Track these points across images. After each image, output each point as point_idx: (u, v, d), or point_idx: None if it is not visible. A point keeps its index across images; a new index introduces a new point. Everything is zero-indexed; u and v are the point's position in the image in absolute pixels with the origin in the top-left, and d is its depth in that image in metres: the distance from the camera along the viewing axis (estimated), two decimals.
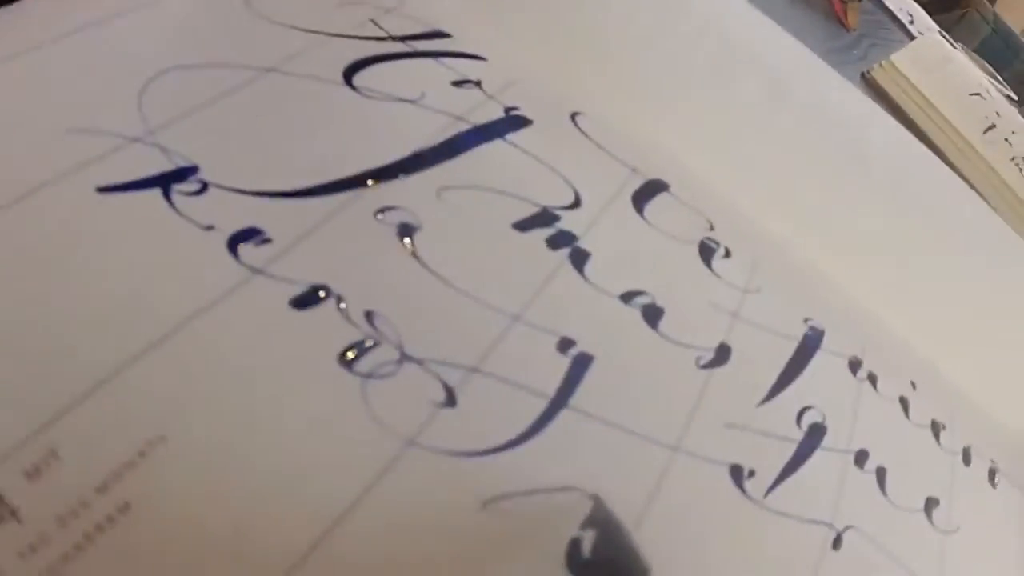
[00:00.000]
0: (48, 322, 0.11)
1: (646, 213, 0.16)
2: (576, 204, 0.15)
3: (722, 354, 0.15)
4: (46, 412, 0.10)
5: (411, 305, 0.13)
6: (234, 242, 0.13)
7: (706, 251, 0.16)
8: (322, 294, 0.12)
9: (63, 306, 0.11)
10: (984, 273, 0.21)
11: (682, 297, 0.15)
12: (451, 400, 0.12)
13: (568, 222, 0.15)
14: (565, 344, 0.13)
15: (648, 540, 0.12)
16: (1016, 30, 0.44)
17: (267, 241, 0.13)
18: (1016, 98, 0.34)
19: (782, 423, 0.15)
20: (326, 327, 0.12)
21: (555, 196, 0.15)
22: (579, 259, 0.14)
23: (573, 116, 0.17)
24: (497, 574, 0.11)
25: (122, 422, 0.11)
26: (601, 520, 0.12)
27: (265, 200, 0.13)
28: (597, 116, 0.17)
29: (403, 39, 0.17)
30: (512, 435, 0.12)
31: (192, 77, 0.15)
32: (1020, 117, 0.30)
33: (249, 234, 0.13)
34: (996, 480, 0.20)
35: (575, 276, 0.14)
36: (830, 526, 0.15)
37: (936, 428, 0.19)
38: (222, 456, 0.11)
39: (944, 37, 0.35)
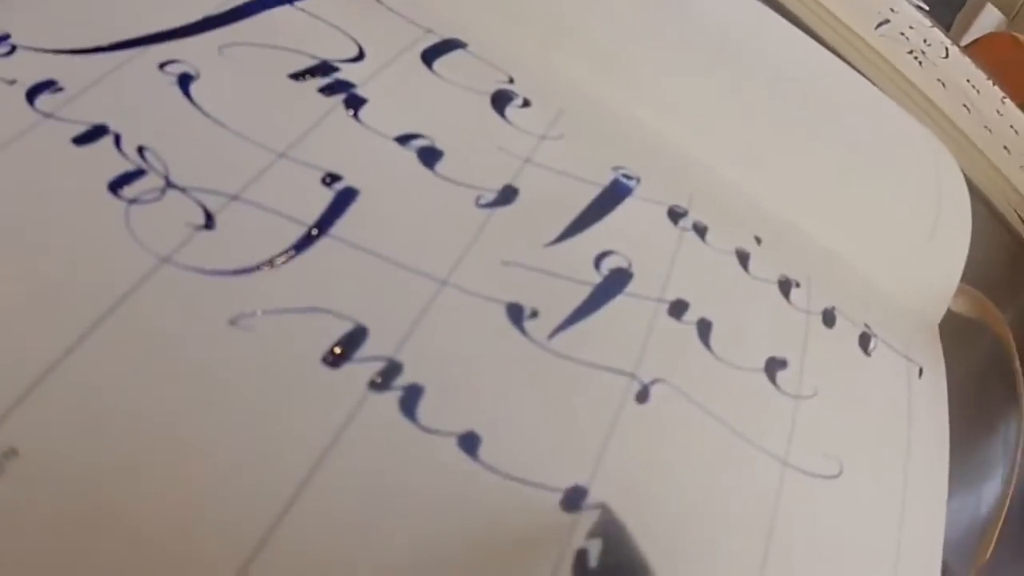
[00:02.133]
0: None
1: (435, 66, 0.17)
2: (359, 58, 0.17)
3: (506, 194, 0.16)
4: None
5: (181, 142, 0.15)
6: (32, 93, 0.15)
7: (500, 100, 0.17)
8: (100, 133, 0.14)
9: None
10: (855, 135, 0.22)
11: (464, 142, 0.16)
12: (210, 223, 0.14)
13: (347, 73, 0.16)
14: (330, 178, 0.15)
15: (409, 364, 0.13)
16: None
17: (60, 90, 0.15)
18: (926, 7, 0.34)
19: (575, 265, 0.16)
20: (100, 161, 0.14)
21: (336, 51, 0.17)
22: (354, 103, 0.16)
23: None
24: None
25: None
26: (607, 529, 0.13)
27: (63, 56, 0.16)
28: None
29: None
30: (266, 257, 0.14)
31: None
32: (919, 15, 0.30)
33: (45, 86, 0.15)
34: (872, 346, 0.20)
35: (347, 118, 0.16)
36: (632, 376, 0.15)
37: (786, 286, 0.19)
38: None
39: None
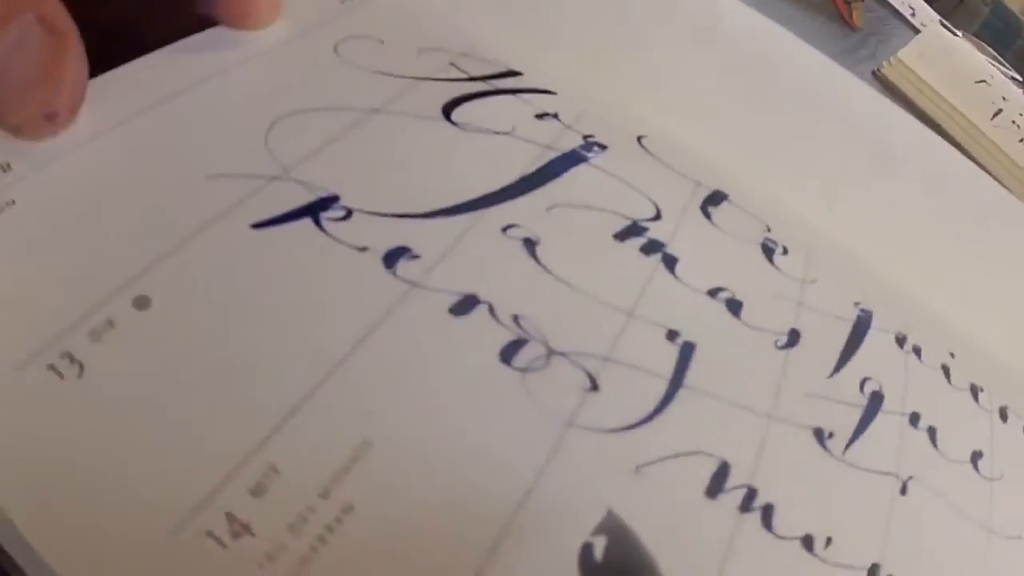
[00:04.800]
0: (244, 351, 0.15)
1: (714, 220, 0.21)
2: (658, 216, 0.20)
3: (794, 336, 0.20)
4: (258, 434, 0.14)
5: (546, 307, 0.18)
6: (389, 259, 0.17)
7: (767, 250, 0.21)
8: (474, 302, 0.17)
9: (251, 335, 0.15)
10: (1004, 250, 0.27)
11: (754, 290, 0.20)
12: (595, 385, 0.17)
13: (655, 232, 0.20)
14: (672, 335, 0.18)
15: (762, 488, 0.17)
16: (1015, 10, 0.50)
17: (416, 257, 0.17)
18: (1020, 78, 0.40)
19: (848, 392, 0.20)
20: (483, 330, 0.16)
21: (640, 210, 0.20)
22: (669, 262, 0.19)
23: (639, 139, 0.22)
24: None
25: (329, 434, 0.14)
26: (612, 527, 0.15)
27: (405, 221, 0.18)
28: (657, 137, 0.22)
29: (483, 79, 0.22)
30: (648, 411, 0.17)
31: (308, 120, 0.19)
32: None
33: (400, 252, 0.17)
34: None
35: (669, 276, 0.19)
36: (896, 476, 0.20)
37: (975, 391, 0.24)
38: (419, 452, 0.15)
39: (945, 26, 0.41)
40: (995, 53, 0.42)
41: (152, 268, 0.15)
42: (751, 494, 0.17)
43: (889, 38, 0.39)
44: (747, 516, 0.17)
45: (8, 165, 0.16)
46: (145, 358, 0.14)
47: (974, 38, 0.44)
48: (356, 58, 0.21)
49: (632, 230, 0.20)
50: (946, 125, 0.35)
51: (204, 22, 0.22)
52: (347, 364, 0.15)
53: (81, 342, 0.14)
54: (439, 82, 0.21)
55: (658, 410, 0.17)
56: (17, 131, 0.17)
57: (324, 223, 0.17)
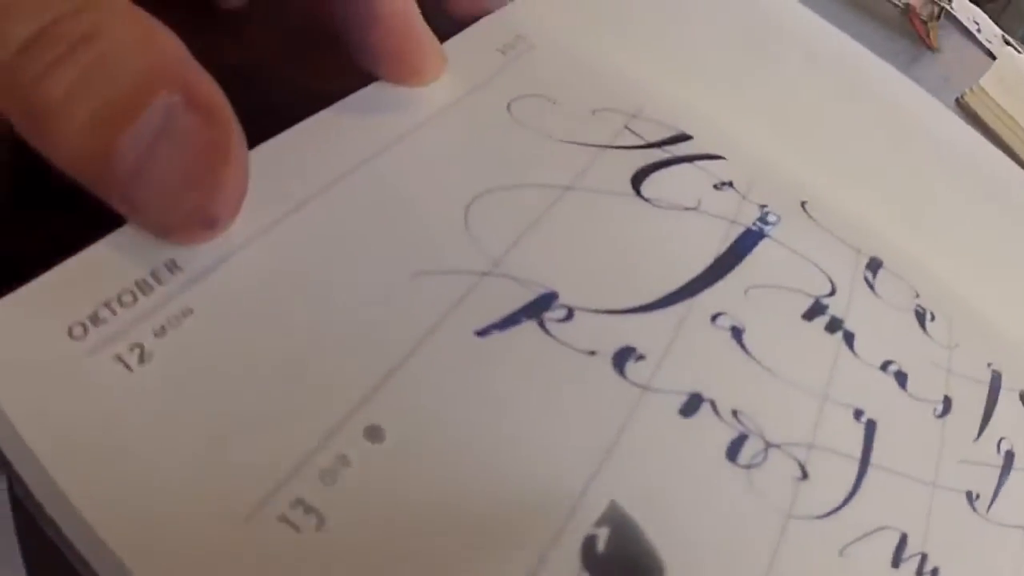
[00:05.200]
0: (496, 484, 0.14)
1: (876, 290, 0.22)
2: (833, 292, 0.21)
3: (947, 404, 0.22)
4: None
5: (759, 398, 0.19)
6: (618, 361, 0.17)
7: (920, 317, 0.23)
8: (699, 401, 0.17)
9: (498, 463, 0.14)
10: None
11: (914, 360, 0.22)
12: (804, 474, 0.18)
13: (833, 308, 0.21)
14: (858, 413, 0.20)
15: (931, 554, 0.19)
16: None
17: (642, 357, 0.17)
18: None
19: (990, 453, 0.22)
20: (709, 429, 0.17)
21: (818, 285, 0.21)
22: (849, 339, 0.21)
23: (803, 204, 0.23)
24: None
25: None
26: (615, 519, 0.15)
27: (626, 317, 0.18)
28: (817, 201, 0.23)
29: (660, 145, 0.22)
30: (846, 493, 0.19)
31: (503, 199, 0.19)
32: None
33: (627, 352, 0.17)
34: None
35: (850, 354, 0.21)
36: None
37: None
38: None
39: (1008, 42, 0.42)
40: None
41: (379, 390, 0.14)
42: (923, 560, 0.19)
43: (960, 58, 0.40)
44: None
45: (174, 263, 0.14)
46: (388, 501, 0.13)
47: None
48: (531, 120, 0.21)
49: (816, 308, 0.21)
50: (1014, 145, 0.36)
51: (341, 60, 0.21)
52: (602, 473, 0.15)
53: (314, 487, 0.13)
54: (621, 150, 0.22)
55: (853, 491, 0.19)
56: (166, 235, 0.15)
57: (548, 325, 0.17)
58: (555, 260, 0.18)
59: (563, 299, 0.17)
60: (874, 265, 0.23)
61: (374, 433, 0.14)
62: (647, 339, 0.18)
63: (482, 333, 0.16)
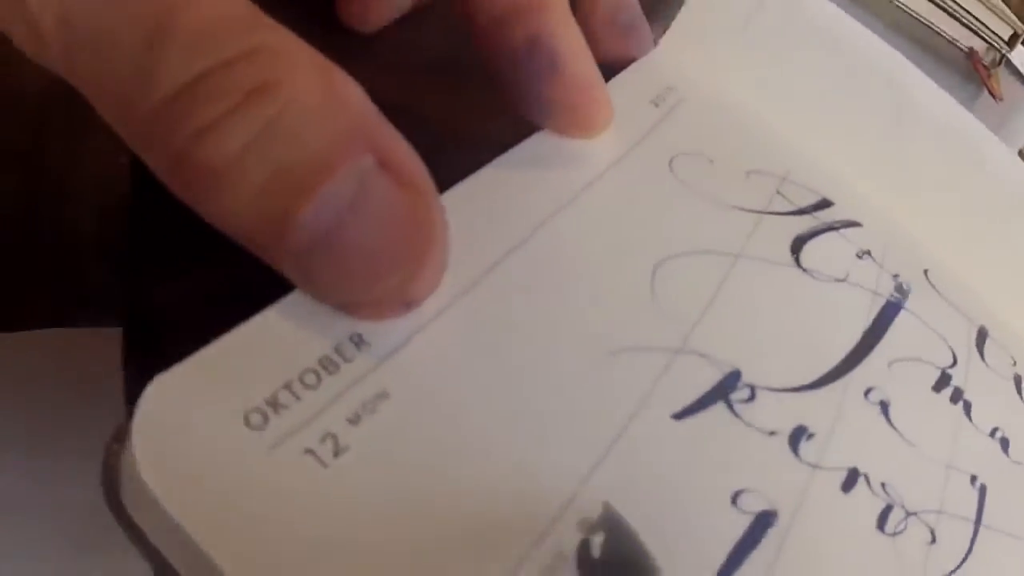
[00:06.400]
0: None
1: (987, 360, 0.25)
2: (955, 363, 0.24)
3: None
4: None
5: (900, 469, 0.21)
6: (793, 441, 0.18)
7: (1018, 383, 0.25)
8: (856, 475, 0.19)
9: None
10: None
11: (1015, 427, 0.24)
12: (934, 539, 0.21)
13: (956, 379, 0.23)
14: (973, 479, 0.22)
15: None
16: None
17: (812, 436, 0.18)
18: None
19: None
20: (864, 502, 0.19)
21: (942, 357, 0.24)
22: (967, 409, 0.23)
23: (926, 272, 0.25)
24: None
25: None
26: (610, 523, 0.14)
27: (798, 395, 0.19)
28: (937, 270, 0.25)
29: (809, 211, 0.24)
30: (962, 554, 0.21)
31: (681, 267, 0.20)
32: None
33: (801, 432, 0.18)
34: None
35: (968, 423, 0.23)
36: None
37: None
38: None
39: None
40: None
41: (590, 478, 0.14)
42: None
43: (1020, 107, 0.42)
44: None
45: (360, 338, 0.13)
46: None
47: None
48: (692, 180, 0.22)
49: (943, 380, 0.23)
50: None
51: (486, 97, 0.20)
52: (783, 547, 0.17)
53: None
54: (777, 216, 0.23)
55: (968, 553, 0.22)
56: (350, 312, 0.13)
57: (736, 407, 0.17)
58: (735, 335, 0.19)
59: (746, 378, 0.18)
60: (983, 334, 0.26)
61: (588, 526, 0.13)
62: (815, 417, 0.19)
63: (679, 416, 0.16)
